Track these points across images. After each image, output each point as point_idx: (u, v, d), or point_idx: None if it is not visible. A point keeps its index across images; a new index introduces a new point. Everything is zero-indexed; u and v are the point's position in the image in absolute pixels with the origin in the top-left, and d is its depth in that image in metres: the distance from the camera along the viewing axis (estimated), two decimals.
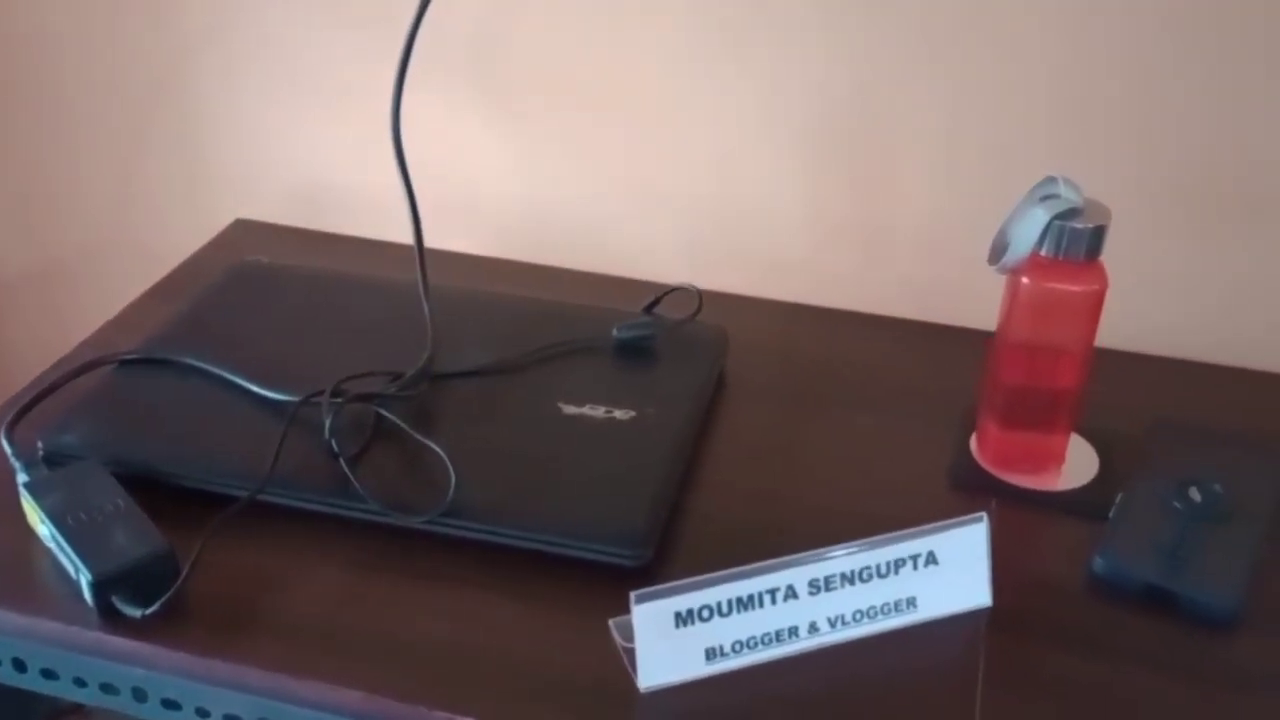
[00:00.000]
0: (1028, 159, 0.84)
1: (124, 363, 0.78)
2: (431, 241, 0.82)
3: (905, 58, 0.84)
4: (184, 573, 0.63)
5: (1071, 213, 0.66)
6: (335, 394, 0.72)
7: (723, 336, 0.83)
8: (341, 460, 0.69)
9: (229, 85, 1.00)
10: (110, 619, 0.62)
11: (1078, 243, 0.66)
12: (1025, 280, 0.68)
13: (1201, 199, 0.83)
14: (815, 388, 0.82)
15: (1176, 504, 0.69)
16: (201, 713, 0.63)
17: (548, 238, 0.98)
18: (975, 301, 0.82)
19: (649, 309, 0.84)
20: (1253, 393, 0.83)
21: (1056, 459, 0.74)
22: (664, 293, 0.84)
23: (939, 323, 0.89)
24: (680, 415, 0.75)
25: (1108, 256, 0.67)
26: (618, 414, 0.74)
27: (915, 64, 0.84)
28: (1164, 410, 0.79)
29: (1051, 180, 0.68)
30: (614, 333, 0.81)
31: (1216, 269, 0.85)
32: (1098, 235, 0.66)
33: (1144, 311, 0.87)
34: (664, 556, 0.67)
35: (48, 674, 0.65)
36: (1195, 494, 0.69)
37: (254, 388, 0.75)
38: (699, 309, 0.83)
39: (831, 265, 0.92)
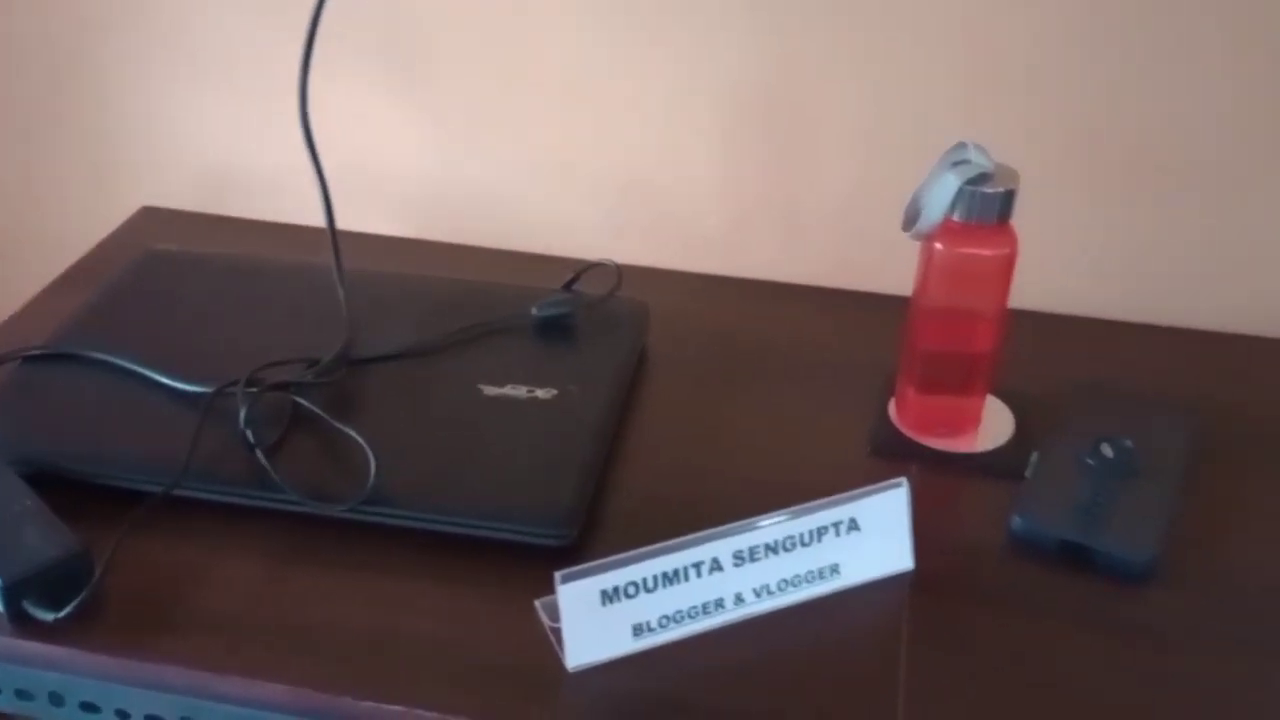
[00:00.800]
0: (944, 131, 0.84)
1: (28, 359, 0.76)
2: (344, 223, 0.81)
3: (821, 32, 0.84)
4: (98, 573, 0.61)
5: (981, 178, 0.67)
6: (250, 383, 0.71)
7: (643, 311, 0.83)
8: (258, 451, 0.68)
9: (133, 69, 0.97)
10: (22, 624, 0.60)
11: (989, 207, 0.67)
12: (938, 246, 0.69)
13: (1109, 163, 0.84)
14: (737, 359, 0.83)
15: (1090, 461, 0.70)
16: (121, 714, 0.62)
17: (463, 216, 0.96)
18: (895, 271, 0.83)
19: (568, 286, 0.83)
20: (1162, 349, 0.85)
21: (973, 421, 0.75)
22: (583, 269, 0.84)
23: (858, 290, 0.90)
24: (603, 392, 0.75)
25: (1020, 220, 0.68)
26: (540, 393, 0.74)
27: (831, 38, 0.84)
28: (1076, 368, 0.81)
29: (962, 146, 0.69)
30: (533, 311, 0.80)
31: (1124, 230, 0.87)
32: (1008, 199, 0.67)
33: (1055, 273, 0.88)
34: (591, 535, 0.67)
35: None
36: (1107, 450, 0.71)
37: (165, 380, 0.73)
38: (618, 284, 0.83)
39: (751, 238, 0.92)
